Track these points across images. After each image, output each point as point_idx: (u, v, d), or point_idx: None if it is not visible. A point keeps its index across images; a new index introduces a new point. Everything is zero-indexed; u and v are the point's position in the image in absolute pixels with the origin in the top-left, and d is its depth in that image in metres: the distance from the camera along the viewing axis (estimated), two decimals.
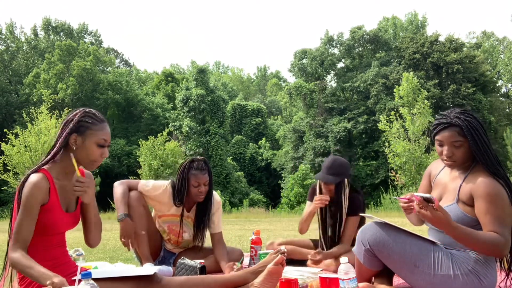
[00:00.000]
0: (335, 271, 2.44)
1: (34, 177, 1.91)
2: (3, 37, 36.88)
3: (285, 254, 2.45)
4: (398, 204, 2.44)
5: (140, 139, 24.15)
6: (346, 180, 3.18)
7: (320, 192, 3.30)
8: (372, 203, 21.39)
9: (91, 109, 2.08)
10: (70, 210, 2.08)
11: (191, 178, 2.94)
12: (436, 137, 2.17)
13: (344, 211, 3.18)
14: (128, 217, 2.78)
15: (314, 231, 3.65)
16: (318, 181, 3.29)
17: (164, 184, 3.04)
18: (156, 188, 3.02)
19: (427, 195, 1.96)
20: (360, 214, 3.17)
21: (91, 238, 2.17)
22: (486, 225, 2.02)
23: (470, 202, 2.10)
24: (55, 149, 2.00)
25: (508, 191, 2.05)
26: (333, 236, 3.29)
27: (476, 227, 2.07)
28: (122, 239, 2.76)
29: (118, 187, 2.93)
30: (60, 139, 2.00)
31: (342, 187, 3.16)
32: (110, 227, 9.06)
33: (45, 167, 1.98)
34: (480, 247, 2.01)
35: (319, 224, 3.37)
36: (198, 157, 3.06)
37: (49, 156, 2.01)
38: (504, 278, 2.19)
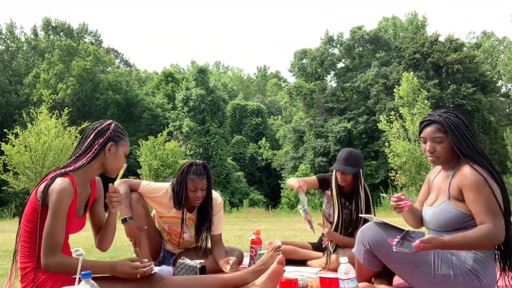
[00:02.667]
0: (335, 271, 2.44)
1: (62, 182, 1.95)
2: (3, 37, 36.89)
3: (280, 248, 2.47)
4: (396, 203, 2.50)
5: (140, 139, 24.16)
6: (361, 170, 3.24)
7: (336, 182, 3.26)
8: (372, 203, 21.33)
9: (119, 124, 2.24)
10: (79, 215, 2.13)
11: (188, 182, 2.93)
12: (421, 135, 2.27)
13: (362, 201, 3.19)
14: (132, 219, 2.81)
15: (312, 235, 3.64)
16: (334, 172, 3.29)
17: (165, 187, 3.04)
18: (157, 190, 3.01)
19: (394, 198, 2.19)
20: (360, 215, 3.17)
21: (107, 243, 2.27)
22: (477, 215, 2.06)
23: (460, 196, 2.13)
24: (89, 154, 2.07)
25: (494, 179, 2.08)
26: (350, 228, 3.26)
27: (471, 222, 2.09)
28: (130, 240, 2.86)
29: (120, 187, 2.91)
30: (96, 145, 2.08)
31: (359, 178, 3.21)
32: None
33: (71, 172, 2.03)
34: (477, 246, 2.05)
35: (334, 221, 3.28)
36: (198, 161, 3.04)
37: (79, 161, 2.06)
38: (500, 277, 2.19)
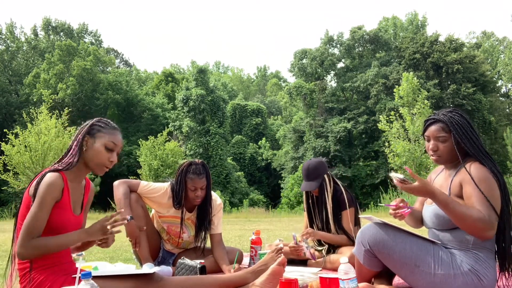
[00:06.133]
0: (335, 271, 2.44)
1: (50, 176, 1.96)
2: (3, 37, 36.88)
3: (282, 249, 2.48)
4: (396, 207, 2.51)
5: (140, 139, 24.18)
6: (325, 177, 3.31)
7: (307, 198, 3.44)
8: (372, 203, 21.37)
9: (107, 119, 2.17)
10: (76, 212, 2.12)
11: (188, 181, 2.94)
12: (425, 134, 2.26)
13: (330, 205, 3.27)
14: (133, 219, 2.81)
15: None
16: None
17: (164, 187, 3.04)
18: (156, 190, 3.02)
19: (400, 176, 2.07)
20: (360, 216, 3.20)
21: (81, 249, 2.26)
22: (472, 206, 2.04)
23: (461, 193, 2.12)
24: (71, 153, 2.06)
25: (496, 179, 2.07)
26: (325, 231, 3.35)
27: None
28: (130, 240, 2.84)
29: (119, 188, 2.92)
30: (76, 142, 2.07)
31: (324, 186, 3.30)
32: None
33: (63, 170, 2.02)
34: (462, 220, 2.01)
35: (308, 225, 3.48)
36: (197, 160, 3.05)
37: (65, 160, 2.06)
38: (499, 277, 2.19)
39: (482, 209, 2.00)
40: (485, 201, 2.01)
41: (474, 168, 2.08)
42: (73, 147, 2.07)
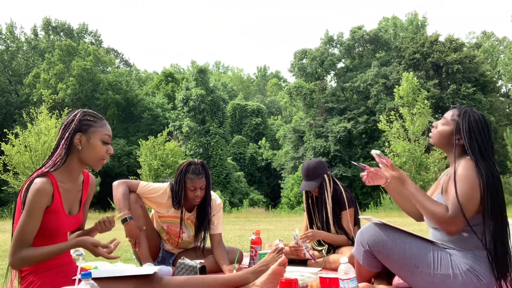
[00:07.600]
0: (335, 271, 2.44)
1: (38, 182, 1.91)
2: (3, 37, 36.88)
3: (282, 250, 2.48)
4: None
5: (140, 139, 24.20)
6: (325, 176, 3.32)
7: (307, 198, 3.44)
8: (372, 203, 21.38)
9: (89, 109, 2.12)
10: (73, 212, 2.10)
11: (187, 181, 2.94)
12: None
13: (329, 205, 3.28)
14: (132, 219, 2.80)
15: None
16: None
17: (164, 187, 3.04)
18: (155, 190, 3.02)
19: (378, 152, 2.17)
20: (359, 217, 3.20)
21: None
22: (447, 203, 2.07)
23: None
24: (58, 152, 2.00)
25: (484, 179, 2.01)
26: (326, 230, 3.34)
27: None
28: (129, 240, 2.84)
29: (119, 188, 2.92)
30: (63, 141, 2.00)
31: (324, 185, 3.31)
32: None
33: (52, 171, 1.98)
34: (425, 210, 2.08)
35: (307, 225, 3.48)
36: (196, 160, 3.05)
37: (52, 160, 2.01)
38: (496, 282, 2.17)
39: (451, 206, 2.02)
40: (458, 199, 2.01)
41: (462, 165, 2.07)
42: (61, 146, 2.00)
